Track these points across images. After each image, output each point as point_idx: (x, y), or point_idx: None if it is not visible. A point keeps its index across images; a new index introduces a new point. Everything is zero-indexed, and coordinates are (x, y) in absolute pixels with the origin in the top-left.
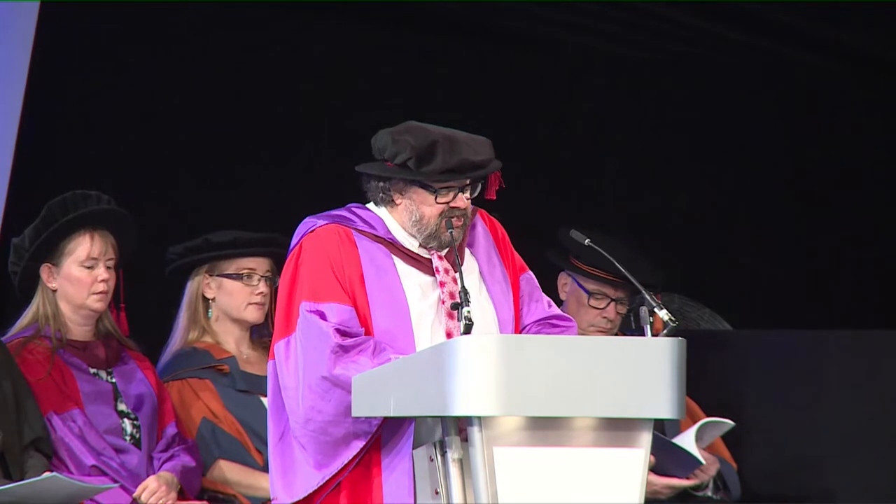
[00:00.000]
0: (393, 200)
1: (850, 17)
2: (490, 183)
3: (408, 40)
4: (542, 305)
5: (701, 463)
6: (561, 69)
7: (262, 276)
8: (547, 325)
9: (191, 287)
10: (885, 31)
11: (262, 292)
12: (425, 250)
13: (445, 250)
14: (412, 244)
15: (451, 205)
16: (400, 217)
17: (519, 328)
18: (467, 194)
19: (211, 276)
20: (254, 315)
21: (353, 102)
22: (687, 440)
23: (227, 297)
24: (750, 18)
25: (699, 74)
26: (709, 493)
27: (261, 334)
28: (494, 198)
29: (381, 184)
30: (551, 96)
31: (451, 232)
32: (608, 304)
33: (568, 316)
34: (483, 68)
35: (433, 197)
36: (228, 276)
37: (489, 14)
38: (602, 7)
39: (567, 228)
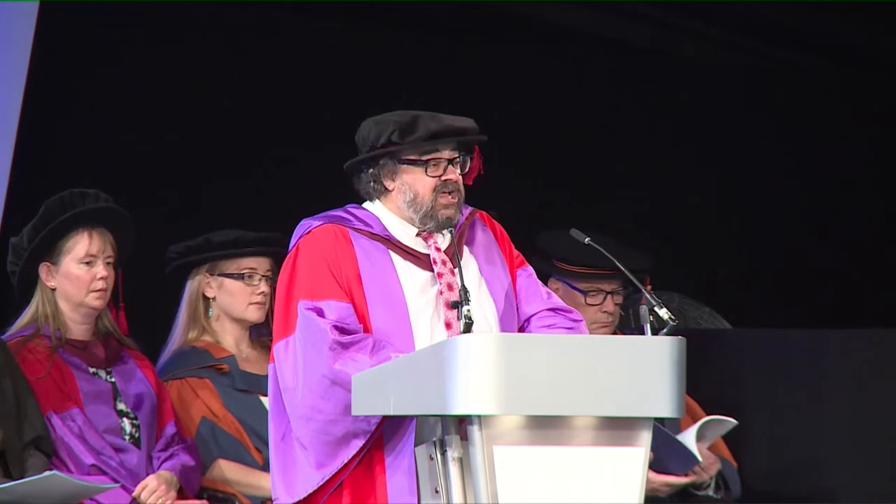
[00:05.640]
0: (385, 188)
1: (851, 18)
2: (471, 169)
3: (408, 40)
4: (541, 296)
5: (698, 461)
6: (560, 68)
7: (262, 276)
8: (550, 314)
9: (191, 286)
10: (875, 30)
11: (262, 292)
12: (423, 244)
13: (444, 244)
14: (409, 237)
15: (443, 178)
16: (394, 204)
17: (520, 323)
18: (458, 169)
19: (211, 275)
20: (255, 315)
21: (353, 102)
22: (687, 438)
23: (228, 296)
24: (751, 20)
25: (697, 74)
26: (710, 492)
27: (259, 334)
28: (471, 183)
29: (371, 171)
30: (551, 96)
31: (451, 217)
32: (605, 299)
33: (571, 308)
34: (483, 68)
35: (423, 170)
36: (229, 275)
37: (489, 14)
38: (603, 6)
39: (546, 233)
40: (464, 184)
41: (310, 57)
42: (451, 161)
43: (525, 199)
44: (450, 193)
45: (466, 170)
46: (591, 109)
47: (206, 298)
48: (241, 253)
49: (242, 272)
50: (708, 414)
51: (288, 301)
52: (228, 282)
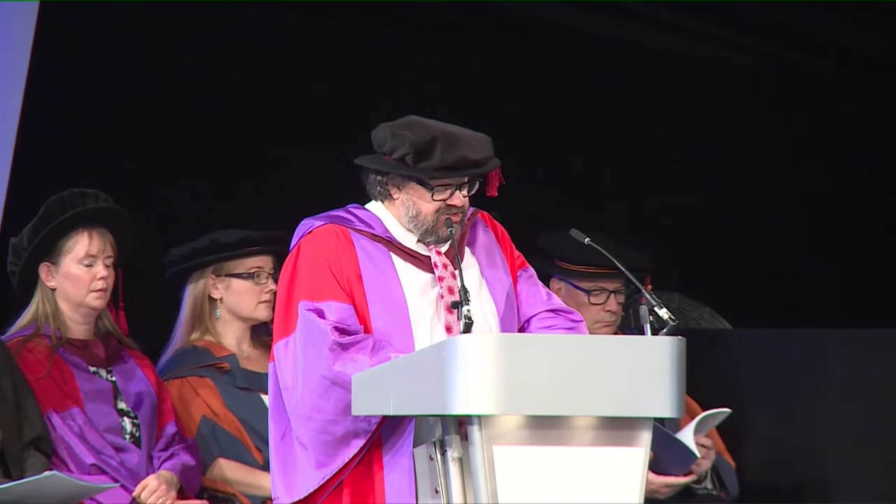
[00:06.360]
0: (390, 194)
1: (849, 18)
2: (491, 180)
3: (409, 39)
4: (541, 297)
5: (697, 457)
6: (560, 68)
7: (269, 274)
8: (551, 315)
9: (195, 288)
10: (875, 30)
11: (270, 290)
12: (424, 247)
13: (445, 247)
14: (410, 241)
15: (448, 202)
16: (397, 212)
17: (520, 324)
18: (465, 192)
19: (217, 276)
20: (264, 313)
21: (354, 102)
22: (685, 436)
23: (236, 296)
24: (751, 20)
25: (697, 74)
26: (707, 485)
27: (259, 333)
28: (496, 195)
29: (379, 177)
30: (551, 96)
31: (451, 230)
32: (608, 298)
33: (571, 309)
34: (485, 67)
35: (430, 194)
36: (238, 275)
37: (489, 14)
38: (603, 6)
39: (547, 233)
40: (485, 195)
41: (310, 57)
42: (459, 186)
43: (525, 200)
44: (452, 215)
45: (474, 191)
46: (591, 109)
47: (212, 300)
48: (247, 252)
49: (251, 272)
50: None
51: (289, 301)
52: (236, 282)
